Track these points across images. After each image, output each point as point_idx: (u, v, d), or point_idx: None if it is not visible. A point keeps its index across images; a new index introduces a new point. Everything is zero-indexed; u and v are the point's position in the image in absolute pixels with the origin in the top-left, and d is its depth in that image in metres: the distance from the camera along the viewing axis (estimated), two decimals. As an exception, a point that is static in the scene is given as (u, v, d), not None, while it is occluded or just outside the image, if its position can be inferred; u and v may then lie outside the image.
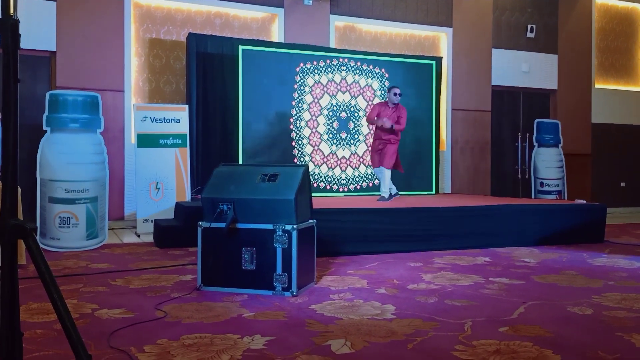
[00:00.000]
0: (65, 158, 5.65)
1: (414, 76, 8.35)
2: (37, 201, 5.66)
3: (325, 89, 7.81)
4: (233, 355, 2.34)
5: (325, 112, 7.81)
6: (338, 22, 8.50)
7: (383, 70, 8.16)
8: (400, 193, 7.35)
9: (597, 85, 10.41)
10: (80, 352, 1.39)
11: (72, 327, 1.39)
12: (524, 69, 9.76)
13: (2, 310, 1.41)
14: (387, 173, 6.72)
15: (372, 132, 7.36)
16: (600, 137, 10.39)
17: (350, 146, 7.98)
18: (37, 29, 6.78)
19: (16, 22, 1.35)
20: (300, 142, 7.68)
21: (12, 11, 1.37)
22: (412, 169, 8.31)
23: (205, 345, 2.48)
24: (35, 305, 3.18)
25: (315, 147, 7.76)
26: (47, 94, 5.88)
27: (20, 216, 2.14)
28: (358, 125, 8.01)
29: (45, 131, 5.77)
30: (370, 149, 7.24)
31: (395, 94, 6.59)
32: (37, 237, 1.47)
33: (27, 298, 3.27)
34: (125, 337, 2.58)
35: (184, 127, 6.80)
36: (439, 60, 8.66)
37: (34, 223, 1.44)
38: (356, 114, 8.00)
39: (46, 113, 5.80)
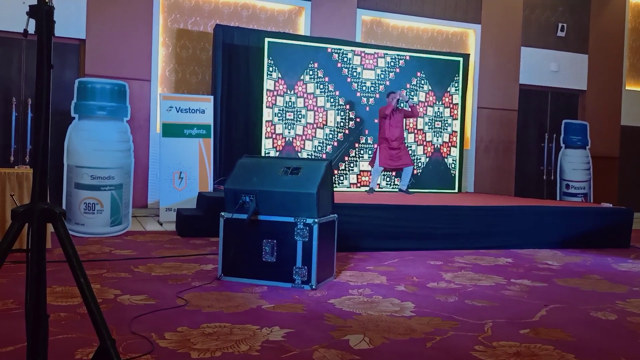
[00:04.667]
0: (92, 145, 5.73)
1: (440, 73, 8.27)
2: (63, 187, 5.76)
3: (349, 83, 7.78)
4: (252, 346, 2.36)
5: (347, 106, 7.79)
6: (365, 16, 8.45)
7: (408, 64, 8.09)
8: (423, 191, 7.40)
9: (627, 87, 10.18)
10: (104, 336, 1.41)
11: (97, 312, 1.41)
12: (553, 68, 9.58)
13: (29, 292, 1.44)
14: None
15: (388, 134, 7.13)
16: (629, 140, 10.17)
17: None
18: (68, 17, 6.87)
19: (51, 9, 1.37)
20: (324, 137, 7.66)
21: (47, -2, 1.39)
22: (435, 166, 8.25)
23: (225, 334, 2.50)
24: (60, 288, 3.24)
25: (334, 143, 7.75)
26: (76, 82, 5.96)
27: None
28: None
29: (73, 118, 5.86)
30: (381, 150, 7.13)
31: (394, 99, 7.06)
32: (65, 222, 1.49)
33: (51, 281, 3.33)
34: (146, 323, 2.62)
35: (208, 118, 6.85)
36: (466, 57, 8.56)
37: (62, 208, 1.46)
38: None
39: (74, 100, 5.89)
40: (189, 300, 3.08)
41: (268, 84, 7.34)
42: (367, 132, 7.84)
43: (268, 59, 7.30)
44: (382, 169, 7.29)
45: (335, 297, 3.31)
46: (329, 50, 7.65)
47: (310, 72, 7.54)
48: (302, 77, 7.49)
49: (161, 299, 3.10)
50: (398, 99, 7.10)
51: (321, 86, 7.60)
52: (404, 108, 7.23)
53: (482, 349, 2.44)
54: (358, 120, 7.83)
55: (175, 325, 2.60)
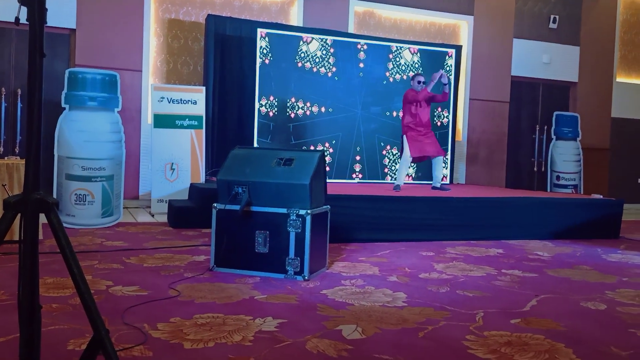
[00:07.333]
0: (83, 136, 5.70)
1: (432, 64, 8.26)
2: (54, 178, 5.72)
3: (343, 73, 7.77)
4: (245, 336, 2.36)
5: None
6: (357, 7, 8.42)
7: (401, 56, 8.09)
8: (416, 182, 7.33)
9: (618, 79, 10.23)
10: (98, 327, 1.41)
11: (91, 302, 1.41)
12: (544, 60, 9.61)
13: (22, 283, 1.43)
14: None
15: (412, 121, 6.47)
16: (619, 131, 10.24)
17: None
18: (58, 6, 6.79)
19: (43, -4, 1.36)
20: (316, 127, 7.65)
21: (38, -15, 1.37)
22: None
23: (218, 325, 2.51)
24: (51, 279, 3.23)
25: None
26: (67, 72, 5.91)
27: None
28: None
29: (64, 108, 5.81)
30: (409, 138, 6.44)
31: (419, 82, 6.49)
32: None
33: (43, 273, 3.31)
34: (138, 314, 2.62)
35: (200, 109, 6.82)
36: (458, 48, 8.56)
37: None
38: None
39: (65, 90, 5.83)
40: (181, 291, 3.08)
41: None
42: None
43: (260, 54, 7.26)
44: (412, 159, 6.48)
45: (328, 287, 3.32)
46: (321, 41, 7.62)
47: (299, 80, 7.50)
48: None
49: (153, 290, 3.10)
50: (420, 82, 6.42)
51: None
52: (435, 93, 6.61)
53: (473, 338, 2.46)
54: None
55: (168, 316, 2.60)
